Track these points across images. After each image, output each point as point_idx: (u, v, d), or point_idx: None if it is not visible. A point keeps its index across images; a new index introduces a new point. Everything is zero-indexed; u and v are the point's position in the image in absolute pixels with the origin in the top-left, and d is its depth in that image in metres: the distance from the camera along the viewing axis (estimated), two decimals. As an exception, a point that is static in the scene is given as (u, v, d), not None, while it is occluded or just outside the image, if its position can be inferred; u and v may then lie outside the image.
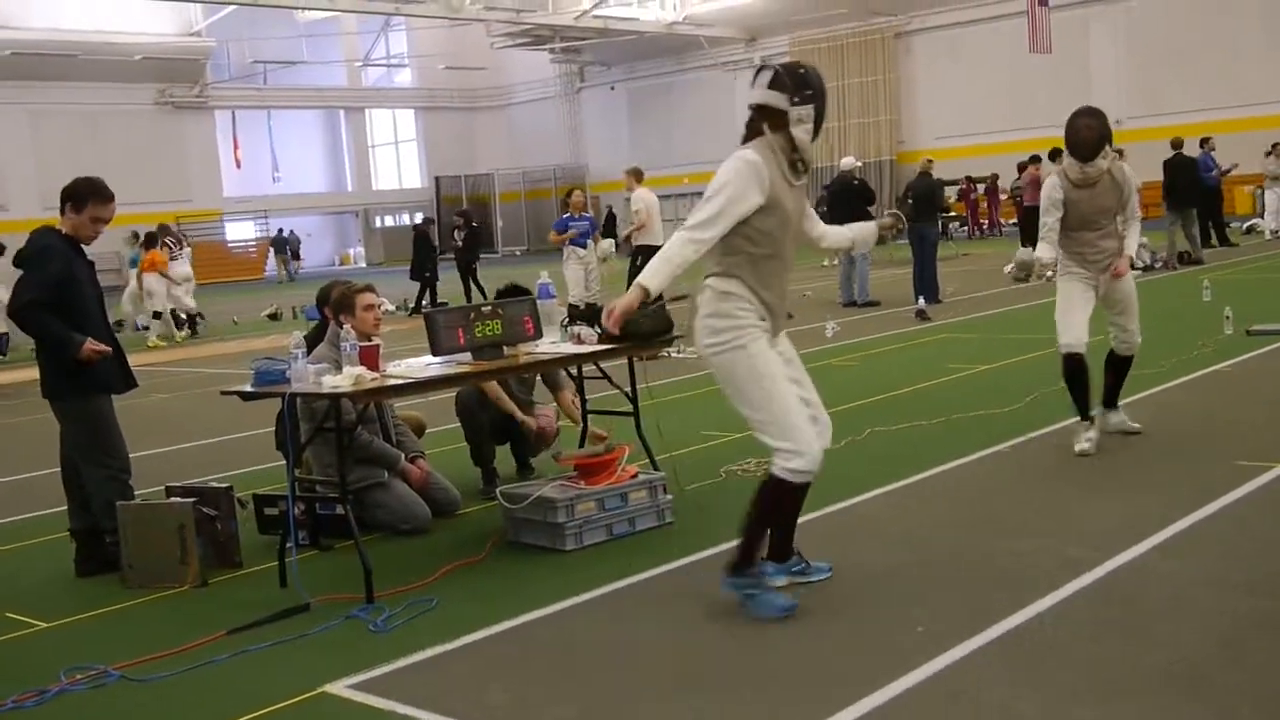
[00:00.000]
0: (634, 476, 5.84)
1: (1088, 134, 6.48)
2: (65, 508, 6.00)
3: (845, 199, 16.07)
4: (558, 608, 4.78)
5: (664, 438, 6.50)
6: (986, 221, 33.28)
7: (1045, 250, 6.77)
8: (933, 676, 3.83)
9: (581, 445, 6.52)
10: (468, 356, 5.65)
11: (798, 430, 4.39)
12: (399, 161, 52.84)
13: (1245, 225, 24.69)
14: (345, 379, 5.10)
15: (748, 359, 4.40)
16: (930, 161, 17.63)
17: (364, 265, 47.89)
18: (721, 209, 4.34)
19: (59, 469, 6.00)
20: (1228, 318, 10.68)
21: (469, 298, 20.18)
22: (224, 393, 5.64)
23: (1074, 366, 6.72)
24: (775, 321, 4.52)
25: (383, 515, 6.16)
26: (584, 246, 15.45)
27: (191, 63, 42.82)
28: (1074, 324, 6.69)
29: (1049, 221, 6.68)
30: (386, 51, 50.97)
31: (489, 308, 5.78)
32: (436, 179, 49.14)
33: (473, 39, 44.37)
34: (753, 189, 4.35)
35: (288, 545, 5.38)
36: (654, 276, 4.32)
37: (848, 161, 17.58)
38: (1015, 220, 23.81)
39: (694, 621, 4.53)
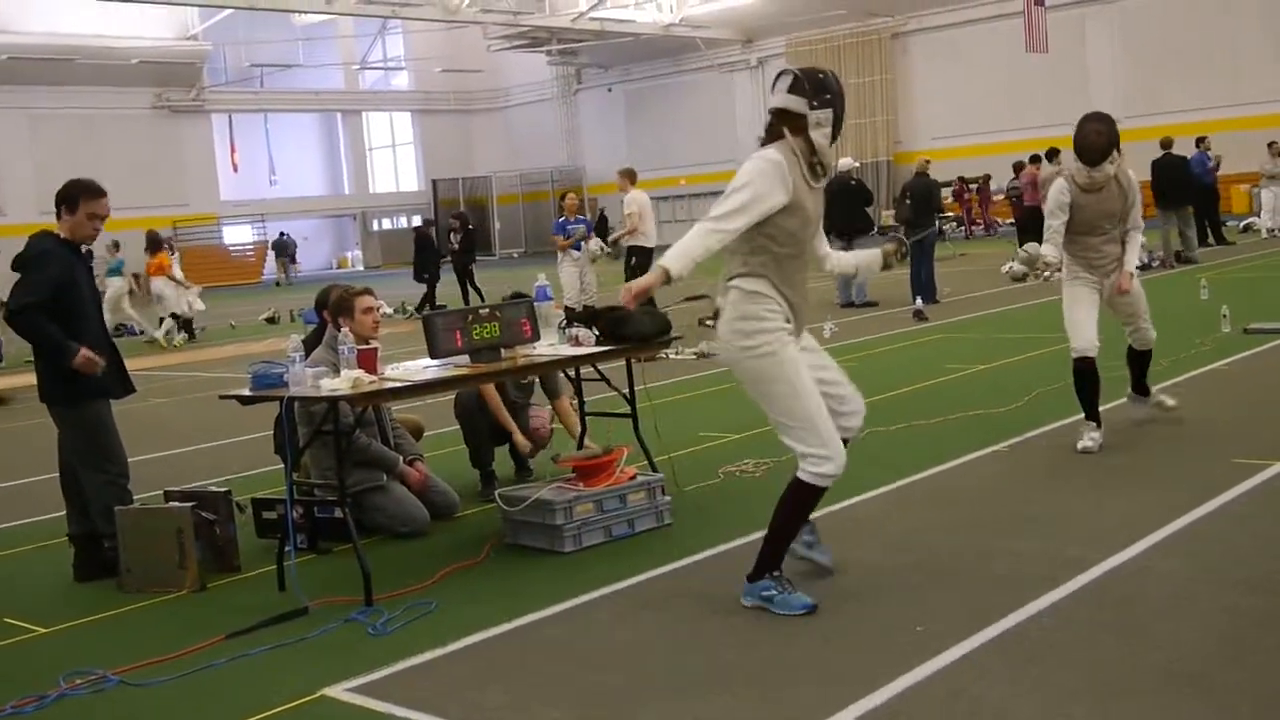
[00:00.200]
0: (632, 478, 5.84)
1: (1096, 139, 6.52)
2: (64, 513, 5.99)
3: (843, 199, 16.04)
4: (557, 610, 4.78)
5: (662, 439, 6.51)
6: (981, 222, 33.30)
7: (1051, 251, 6.81)
8: (932, 676, 3.83)
9: (579, 448, 6.52)
10: (465, 359, 5.66)
11: (826, 435, 4.46)
12: (396, 164, 52.82)
13: (1242, 224, 24.73)
14: (343, 382, 5.10)
15: (777, 365, 4.44)
16: (927, 162, 17.62)
17: (362, 269, 47.76)
18: (746, 203, 4.35)
19: (57, 474, 5.98)
20: (1225, 316, 10.69)
21: (466, 300, 20.17)
22: (222, 397, 5.65)
23: (1085, 370, 6.78)
24: (798, 321, 4.57)
25: (381, 518, 6.15)
26: (579, 249, 15.44)
27: (188, 66, 42.89)
28: (1083, 329, 6.76)
29: (1055, 224, 6.72)
30: (383, 54, 50.90)
31: (486, 310, 5.78)
32: (434, 182, 49.11)
33: (469, 41, 44.35)
34: (777, 188, 4.38)
35: (286, 549, 5.38)
36: (676, 260, 4.32)
37: (845, 162, 17.56)
38: (1013, 220, 23.80)
39: (693, 622, 4.53)
